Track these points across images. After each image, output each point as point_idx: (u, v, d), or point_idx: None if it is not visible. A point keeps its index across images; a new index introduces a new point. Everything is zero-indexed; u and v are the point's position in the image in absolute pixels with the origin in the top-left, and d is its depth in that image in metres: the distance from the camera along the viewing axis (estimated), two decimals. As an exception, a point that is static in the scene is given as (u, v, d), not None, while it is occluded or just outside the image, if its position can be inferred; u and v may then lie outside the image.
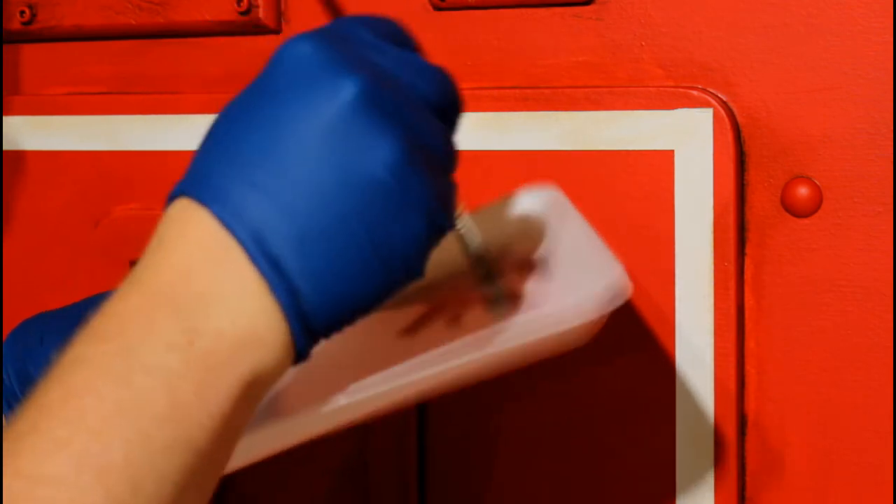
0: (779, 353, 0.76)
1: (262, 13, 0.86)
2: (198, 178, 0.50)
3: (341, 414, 0.56)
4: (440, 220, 0.51)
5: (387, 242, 0.50)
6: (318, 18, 0.85)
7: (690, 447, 0.76)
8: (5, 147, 0.93)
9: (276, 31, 0.86)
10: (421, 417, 0.82)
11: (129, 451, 0.44)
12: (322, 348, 0.68)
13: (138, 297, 0.48)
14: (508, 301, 0.65)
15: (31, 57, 0.94)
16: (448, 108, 0.54)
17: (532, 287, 0.64)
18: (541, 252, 0.67)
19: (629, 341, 0.78)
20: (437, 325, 0.63)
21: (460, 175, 0.80)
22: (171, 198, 0.50)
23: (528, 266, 0.67)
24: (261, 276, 0.48)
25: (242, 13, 0.86)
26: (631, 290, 0.58)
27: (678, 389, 0.76)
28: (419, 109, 0.51)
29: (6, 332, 0.71)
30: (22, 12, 0.92)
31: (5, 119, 0.93)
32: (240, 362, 0.47)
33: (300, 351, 0.49)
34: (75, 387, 0.45)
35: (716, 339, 0.75)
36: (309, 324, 0.49)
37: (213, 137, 0.51)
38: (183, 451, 0.45)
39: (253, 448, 0.57)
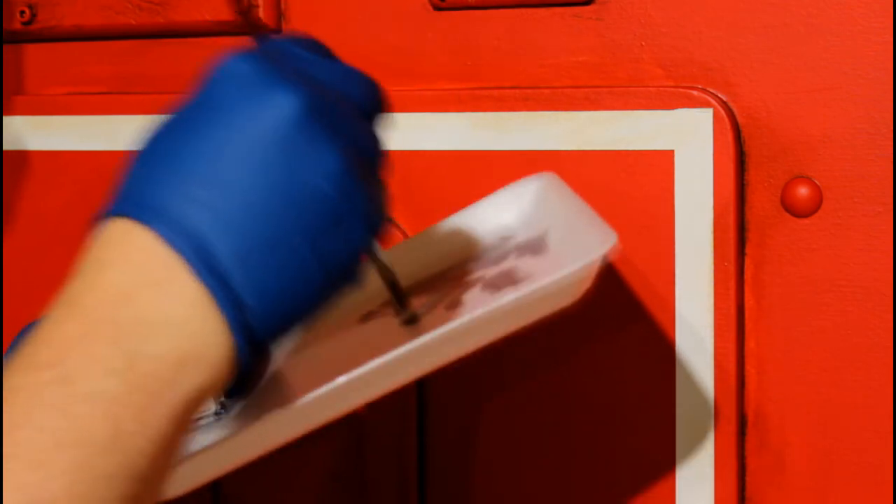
0: (779, 353, 0.76)
1: (262, 13, 0.86)
2: (135, 196, 0.49)
3: (344, 395, 0.56)
4: (377, 224, 0.52)
5: (329, 252, 0.50)
6: (318, 18, 0.85)
7: (690, 447, 0.76)
8: (6, 147, 0.93)
9: (276, 32, 0.86)
10: (421, 417, 0.82)
11: (69, 483, 0.43)
12: (321, 348, 0.68)
13: (76, 322, 0.47)
14: (422, 321, 0.65)
15: (31, 57, 0.94)
16: (375, 111, 0.55)
17: (531, 264, 0.64)
18: (539, 235, 0.67)
19: (629, 341, 0.78)
20: (437, 312, 0.64)
21: (461, 175, 0.80)
22: (105, 217, 0.50)
23: (527, 247, 0.67)
24: (205, 292, 0.47)
25: (242, 13, 0.86)
26: (616, 242, 0.58)
27: (678, 389, 0.76)
28: (355, 118, 0.52)
29: (6, 332, 0.71)
30: (22, 12, 0.92)
31: (6, 119, 0.93)
32: (181, 383, 0.47)
33: (243, 364, 0.49)
34: (13, 419, 0.44)
35: (716, 339, 0.75)
36: (253, 336, 0.49)
37: (147, 154, 0.50)
38: (125, 478, 0.45)
39: (256, 442, 0.57)
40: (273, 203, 0.49)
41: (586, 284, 0.60)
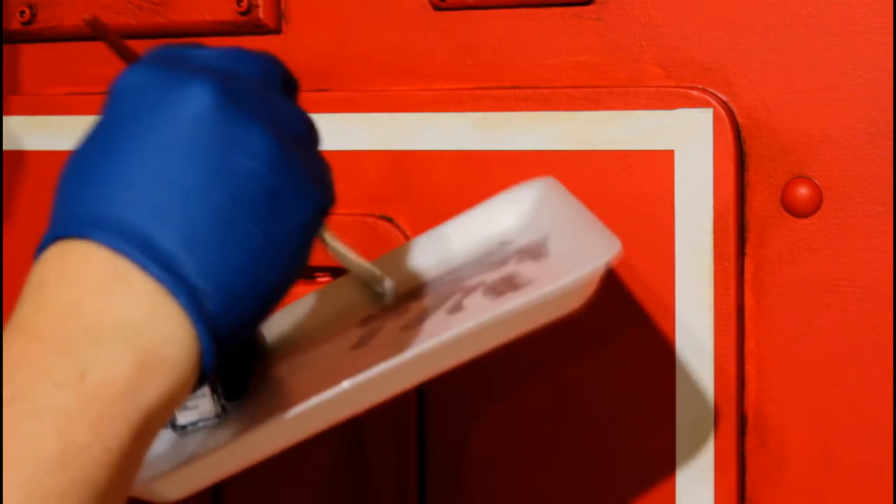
0: (779, 353, 0.76)
1: (262, 13, 0.86)
2: (63, 216, 0.49)
3: (346, 401, 0.56)
4: (319, 198, 0.51)
5: (274, 227, 0.49)
6: (318, 18, 0.85)
7: (690, 447, 0.76)
8: (5, 147, 0.93)
9: (276, 31, 0.86)
10: (420, 418, 0.82)
11: (18, 502, 0.42)
12: (321, 352, 0.68)
13: (23, 342, 0.45)
14: (395, 294, 0.67)
15: (31, 57, 0.94)
16: (288, 85, 0.54)
17: (532, 270, 0.64)
18: (539, 240, 0.67)
19: (629, 341, 0.78)
20: (438, 316, 0.63)
21: (461, 175, 0.80)
22: (41, 249, 0.49)
23: (527, 252, 0.67)
24: (157, 285, 0.46)
25: (242, 13, 0.86)
26: (619, 249, 0.58)
27: (678, 389, 0.76)
28: (267, 94, 0.52)
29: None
30: (22, 12, 0.92)
31: (5, 119, 0.93)
32: (140, 389, 0.45)
33: (207, 363, 0.48)
34: None
35: (716, 339, 0.75)
36: (216, 327, 0.48)
37: (68, 179, 0.50)
38: (81, 492, 0.43)
39: (257, 447, 0.57)
40: (208, 189, 0.48)
41: (589, 291, 0.59)
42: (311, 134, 0.54)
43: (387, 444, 0.82)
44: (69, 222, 0.48)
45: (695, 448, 0.76)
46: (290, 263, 0.50)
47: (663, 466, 0.77)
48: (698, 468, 0.76)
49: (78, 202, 0.49)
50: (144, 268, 0.46)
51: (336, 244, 0.64)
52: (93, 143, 0.50)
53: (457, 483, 0.82)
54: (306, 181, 0.51)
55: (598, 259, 0.57)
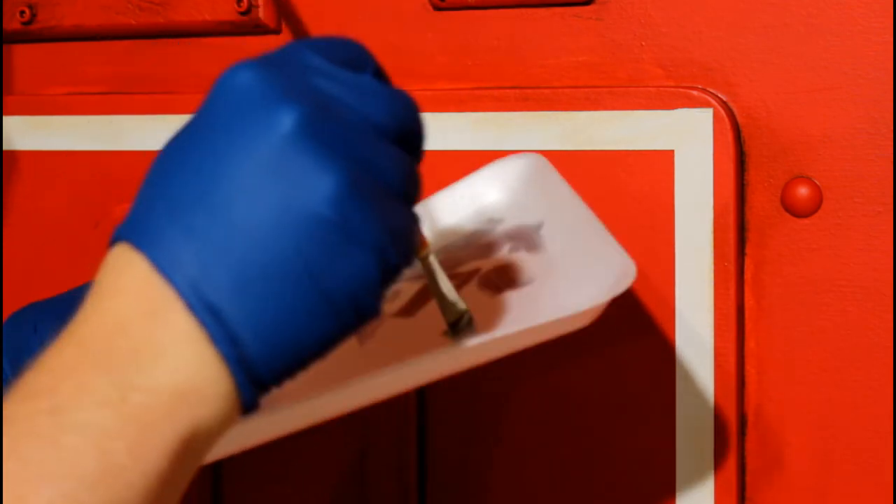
0: (779, 353, 0.76)
1: (262, 13, 0.86)
2: (135, 222, 0.47)
3: (353, 393, 0.56)
4: (392, 256, 0.48)
5: (332, 282, 0.47)
6: (318, 18, 0.85)
7: (690, 447, 0.76)
8: (5, 147, 0.93)
9: (276, 31, 0.86)
10: (421, 418, 0.82)
11: None
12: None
13: (72, 350, 0.45)
14: (471, 327, 0.64)
15: (31, 57, 0.94)
16: (408, 134, 0.51)
17: (529, 263, 0.64)
18: (531, 227, 0.67)
19: (629, 341, 0.78)
20: (433, 305, 0.63)
21: (461, 175, 0.80)
22: (113, 242, 0.48)
23: (520, 238, 0.66)
24: (200, 326, 0.45)
25: (242, 13, 0.86)
26: (635, 274, 0.58)
27: (678, 389, 0.76)
28: (367, 136, 0.48)
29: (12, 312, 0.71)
30: (22, 12, 0.92)
31: (5, 119, 0.93)
32: (178, 418, 0.45)
33: (247, 401, 0.47)
34: (3, 450, 0.42)
35: (716, 339, 0.75)
36: (254, 372, 0.46)
37: (151, 178, 0.48)
38: None
39: (265, 429, 0.57)
40: (268, 230, 0.46)
41: (600, 311, 0.59)
42: (404, 188, 0.50)
43: (387, 444, 0.82)
44: (136, 226, 0.47)
45: (695, 448, 0.76)
46: (347, 321, 0.48)
47: (663, 466, 0.77)
48: (698, 468, 0.76)
49: (148, 207, 0.47)
50: (189, 305, 0.45)
51: (435, 268, 0.60)
52: (181, 142, 0.48)
53: (457, 482, 0.82)
54: (375, 234, 0.47)
55: (616, 286, 0.57)
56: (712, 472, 0.76)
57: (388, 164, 0.49)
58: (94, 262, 0.96)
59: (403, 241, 0.49)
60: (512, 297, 0.59)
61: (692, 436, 0.76)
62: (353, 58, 0.51)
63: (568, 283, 0.62)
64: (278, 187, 0.46)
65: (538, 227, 0.67)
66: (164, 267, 0.46)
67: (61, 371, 0.45)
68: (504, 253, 0.65)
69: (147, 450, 0.44)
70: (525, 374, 0.80)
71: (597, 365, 0.78)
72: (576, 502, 0.80)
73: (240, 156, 0.46)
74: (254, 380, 0.47)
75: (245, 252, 0.46)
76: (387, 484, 0.83)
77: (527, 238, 0.66)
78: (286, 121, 0.46)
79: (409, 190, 0.50)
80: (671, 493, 0.77)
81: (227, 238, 0.46)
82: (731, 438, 0.76)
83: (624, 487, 0.78)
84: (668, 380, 0.76)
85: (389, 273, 0.48)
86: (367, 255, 0.47)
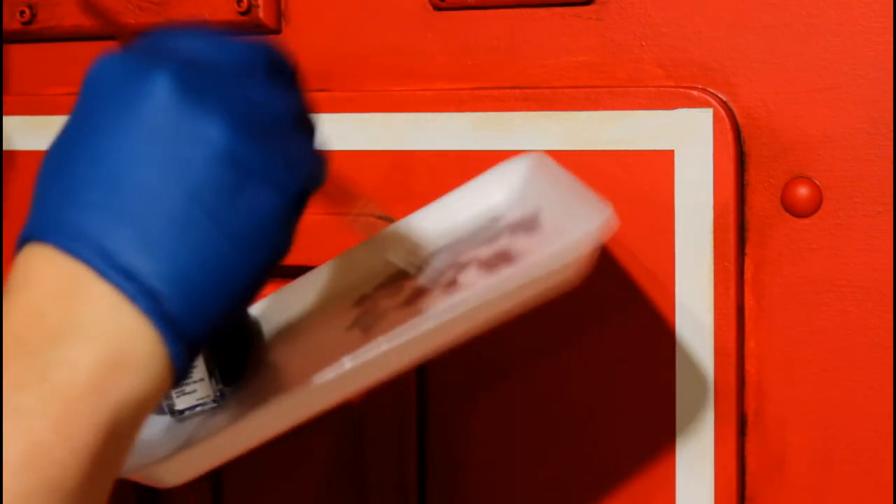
0: (779, 353, 0.76)
1: (262, 13, 0.86)
2: (33, 218, 0.48)
3: (346, 379, 0.56)
4: (290, 185, 0.49)
5: (234, 221, 0.47)
6: (318, 18, 0.85)
7: (690, 447, 0.76)
8: (5, 147, 0.93)
9: (276, 31, 0.86)
10: (420, 406, 0.82)
11: None
12: (317, 333, 0.68)
13: None
14: (432, 269, 0.65)
15: (31, 57, 0.94)
16: (277, 68, 0.52)
17: (525, 243, 0.64)
18: (531, 214, 0.67)
19: (629, 340, 0.78)
20: (433, 294, 0.63)
21: (461, 175, 0.80)
22: (18, 248, 0.48)
23: (520, 225, 0.67)
24: (116, 291, 0.46)
25: (242, 13, 0.86)
26: (610, 215, 0.58)
27: (678, 389, 0.76)
28: (239, 79, 0.49)
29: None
30: (22, 12, 0.92)
31: (5, 119, 0.93)
32: (105, 388, 0.45)
33: (178, 361, 0.47)
34: None
35: (716, 339, 0.75)
36: (179, 326, 0.46)
37: (41, 175, 0.49)
38: (47, 495, 0.43)
39: (257, 430, 0.57)
40: (160, 184, 0.47)
41: (584, 260, 0.59)
42: (296, 119, 0.51)
43: (386, 438, 0.82)
44: (35, 224, 0.48)
45: (695, 447, 0.76)
46: (259, 256, 0.48)
47: (663, 466, 0.77)
48: (698, 468, 0.76)
49: (42, 203, 0.48)
50: (101, 272, 0.46)
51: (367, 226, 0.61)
52: (60, 141, 0.50)
53: (456, 480, 0.82)
54: (276, 168, 0.48)
55: (589, 224, 0.57)
56: (712, 472, 0.76)
57: (265, 98, 0.50)
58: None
59: (300, 170, 0.50)
60: (505, 270, 0.59)
61: (692, 436, 0.76)
62: (207, 30, 0.53)
63: (547, 243, 0.62)
64: (164, 143, 0.47)
65: (537, 212, 0.67)
66: (68, 245, 0.46)
67: None
68: (503, 240, 0.65)
69: (74, 425, 0.44)
70: (525, 372, 0.80)
71: (597, 364, 0.78)
72: (575, 501, 0.80)
73: (121, 127, 0.48)
74: (180, 334, 0.47)
75: (144, 210, 0.46)
76: (386, 479, 0.82)
77: (525, 224, 0.66)
78: (160, 83, 0.47)
79: (301, 120, 0.51)
80: (671, 492, 0.77)
81: (124, 201, 0.46)
82: (731, 438, 0.76)
83: (624, 487, 0.78)
84: (668, 379, 0.76)
85: (292, 204, 0.49)
86: (262, 188, 0.48)
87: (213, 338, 0.49)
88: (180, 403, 0.62)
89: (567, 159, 0.78)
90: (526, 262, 0.60)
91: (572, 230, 0.59)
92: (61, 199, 0.48)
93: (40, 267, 0.47)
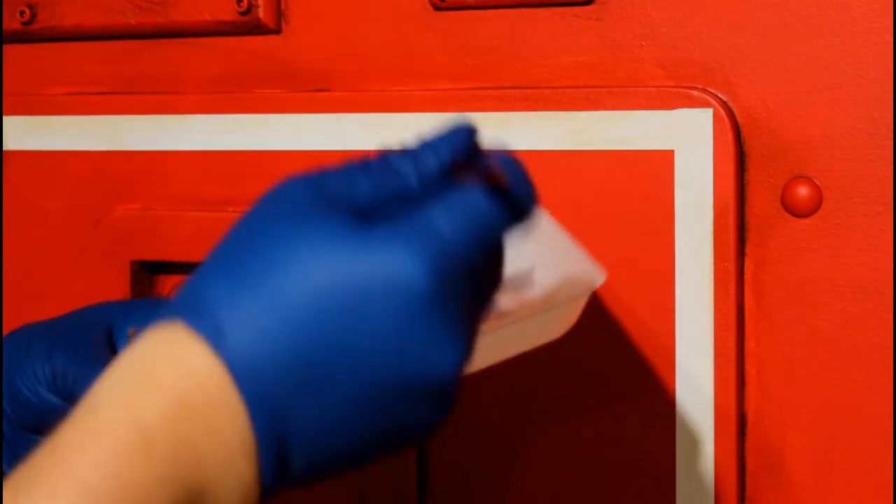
0: (779, 353, 0.76)
1: (262, 13, 0.86)
2: (192, 301, 0.45)
3: None
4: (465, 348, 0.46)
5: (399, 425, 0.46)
6: (318, 18, 0.85)
7: (690, 447, 0.76)
8: (5, 147, 0.93)
9: (276, 31, 0.86)
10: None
11: None
12: None
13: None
14: None
15: (31, 57, 0.94)
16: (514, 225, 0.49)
17: (511, 299, 0.64)
18: (523, 270, 0.67)
19: (628, 341, 0.78)
20: None
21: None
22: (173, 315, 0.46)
23: (509, 285, 0.66)
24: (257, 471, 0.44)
25: (242, 13, 0.86)
26: (602, 279, 0.58)
27: (678, 389, 0.76)
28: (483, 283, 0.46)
29: (6, 332, 0.71)
30: (22, 12, 0.92)
31: (5, 119, 0.93)
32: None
33: (265, 490, 0.46)
34: None
35: (716, 339, 0.75)
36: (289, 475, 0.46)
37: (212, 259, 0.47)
38: None
39: None
40: (371, 416, 0.45)
41: (574, 318, 0.60)
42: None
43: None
44: (196, 310, 0.45)
45: (695, 448, 0.76)
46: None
47: (663, 466, 0.77)
48: (698, 468, 0.76)
49: (210, 289, 0.45)
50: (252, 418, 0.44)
51: None
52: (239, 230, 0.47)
53: (456, 480, 0.82)
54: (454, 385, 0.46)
55: (579, 289, 0.57)
56: (712, 472, 0.76)
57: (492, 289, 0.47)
58: (94, 261, 0.96)
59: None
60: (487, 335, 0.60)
61: (692, 436, 0.76)
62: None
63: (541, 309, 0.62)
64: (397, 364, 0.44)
65: (530, 269, 0.67)
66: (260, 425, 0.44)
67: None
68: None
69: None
70: (524, 372, 0.80)
71: (596, 365, 0.78)
72: (575, 502, 0.80)
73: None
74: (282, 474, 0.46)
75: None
76: (386, 484, 0.82)
77: (515, 280, 0.66)
78: (412, 274, 0.44)
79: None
80: (671, 493, 0.77)
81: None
82: (731, 438, 0.76)
83: (624, 488, 0.78)
84: (667, 380, 0.76)
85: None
86: (444, 406, 0.46)
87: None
88: None
89: (567, 159, 0.78)
90: (506, 317, 0.59)
91: (562, 288, 0.59)
92: (225, 292, 0.45)
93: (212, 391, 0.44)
